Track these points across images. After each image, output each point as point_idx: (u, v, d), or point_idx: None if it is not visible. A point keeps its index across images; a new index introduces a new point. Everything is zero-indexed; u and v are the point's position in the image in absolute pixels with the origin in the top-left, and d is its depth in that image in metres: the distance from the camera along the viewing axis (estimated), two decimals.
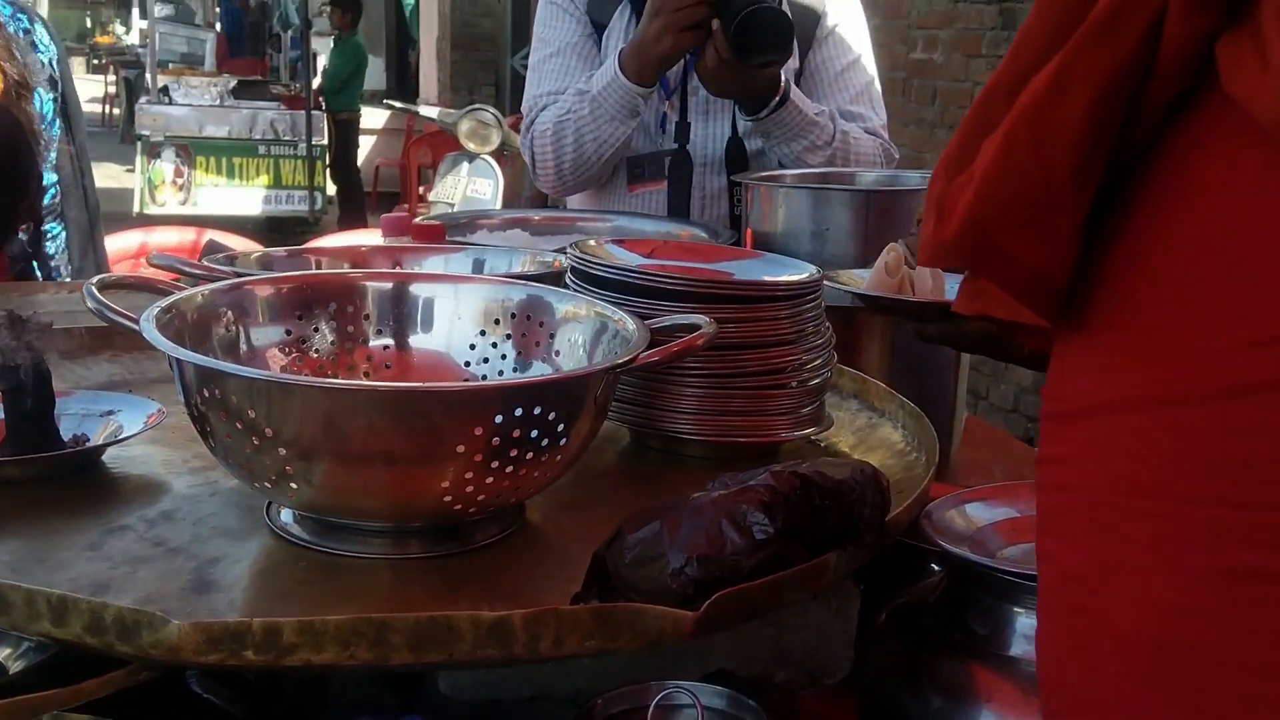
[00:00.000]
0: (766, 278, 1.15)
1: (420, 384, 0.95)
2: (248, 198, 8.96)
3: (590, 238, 1.22)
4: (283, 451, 0.83)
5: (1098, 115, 0.53)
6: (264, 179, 8.99)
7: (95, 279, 0.96)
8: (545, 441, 0.87)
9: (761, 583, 0.81)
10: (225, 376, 0.84)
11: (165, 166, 8.83)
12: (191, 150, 8.87)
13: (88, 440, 1.07)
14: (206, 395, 0.85)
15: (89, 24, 25.08)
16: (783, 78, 1.92)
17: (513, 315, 1.07)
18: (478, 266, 1.32)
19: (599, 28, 2.12)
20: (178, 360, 0.87)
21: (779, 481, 0.83)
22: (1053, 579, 0.59)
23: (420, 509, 0.88)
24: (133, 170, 9.27)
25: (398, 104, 10.04)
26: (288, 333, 1.04)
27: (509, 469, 0.86)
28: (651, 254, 1.17)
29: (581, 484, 1.09)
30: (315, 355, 1.05)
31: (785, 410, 1.14)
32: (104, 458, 1.07)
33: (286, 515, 0.95)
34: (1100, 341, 0.58)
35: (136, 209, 8.53)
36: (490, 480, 0.86)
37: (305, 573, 0.89)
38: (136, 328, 0.90)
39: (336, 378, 1.04)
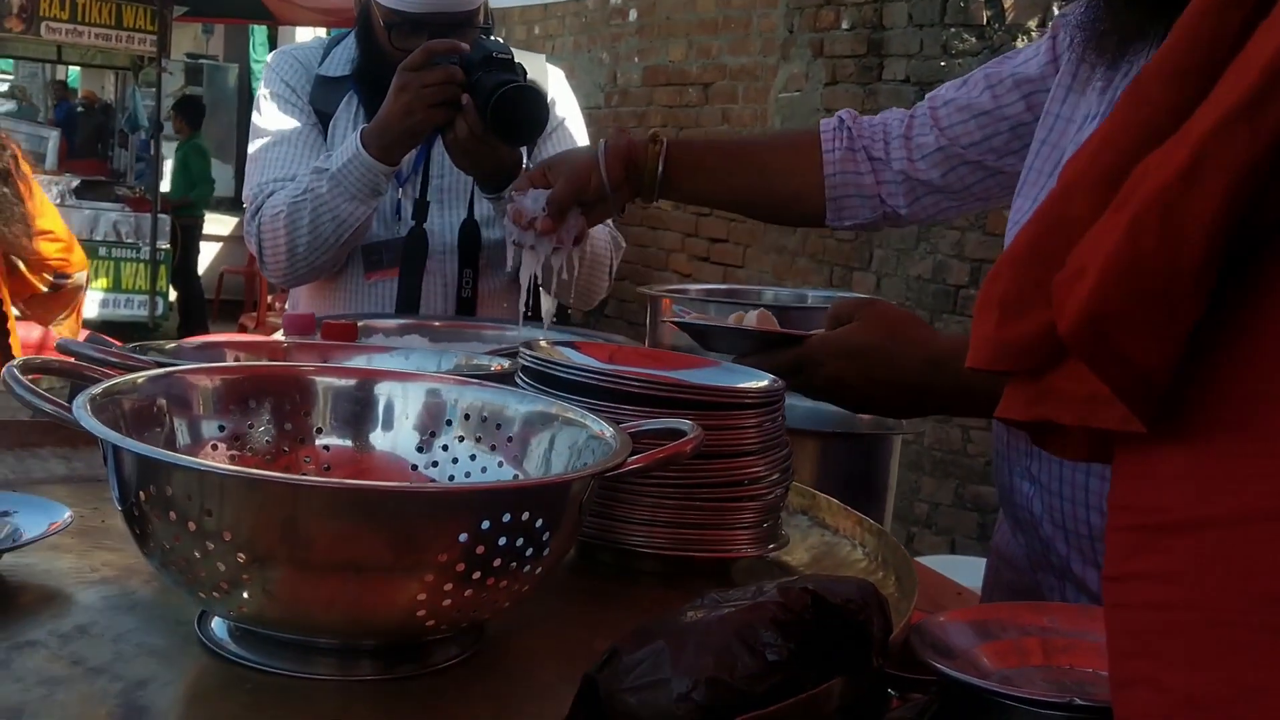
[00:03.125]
0: (730, 384, 1.10)
1: (403, 484, 0.87)
2: (89, 300, 8.59)
3: (540, 339, 1.15)
4: (241, 557, 0.74)
5: (1231, 206, 0.50)
6: (103, 282, 8.65)
7: (18, 361, 0.86)
8: (529, 551, 0.79)
9: (773, 710, 0.74)
10: (177, 470, 0.74)
11: None
12: None
13: None
14: (152, 492, 0.75)
15: None
16: (523, 156, 1.93)
17: (466, 416, 0.99)
18: (407, 367, 1.24)
19: (323, 117, 2.10)
20: (115, 451, 0.77)
21: (790, 599, 0.77)
22: (1164, 708, 0.54)
23: (388, 624, 0.79)
24: None
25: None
26: (221, 429, 0.94)
27: (490, 580, 0.78)
28: (611, 358, 1.11)
29: (536, 601, 1.01)
30: (250, 454, 0.95)
31: (746, 525, 1.08)
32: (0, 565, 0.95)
33: (221, 630, 0.85)
34: (1215, 446, 0.54)
35: None
36: (469, 593, 0.78)
37: (250, 695, 0.79)
38: (68, 414, 0.80)
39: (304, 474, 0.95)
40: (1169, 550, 0.56)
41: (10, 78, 15.61)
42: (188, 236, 9.60)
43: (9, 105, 11.44)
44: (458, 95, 1.83)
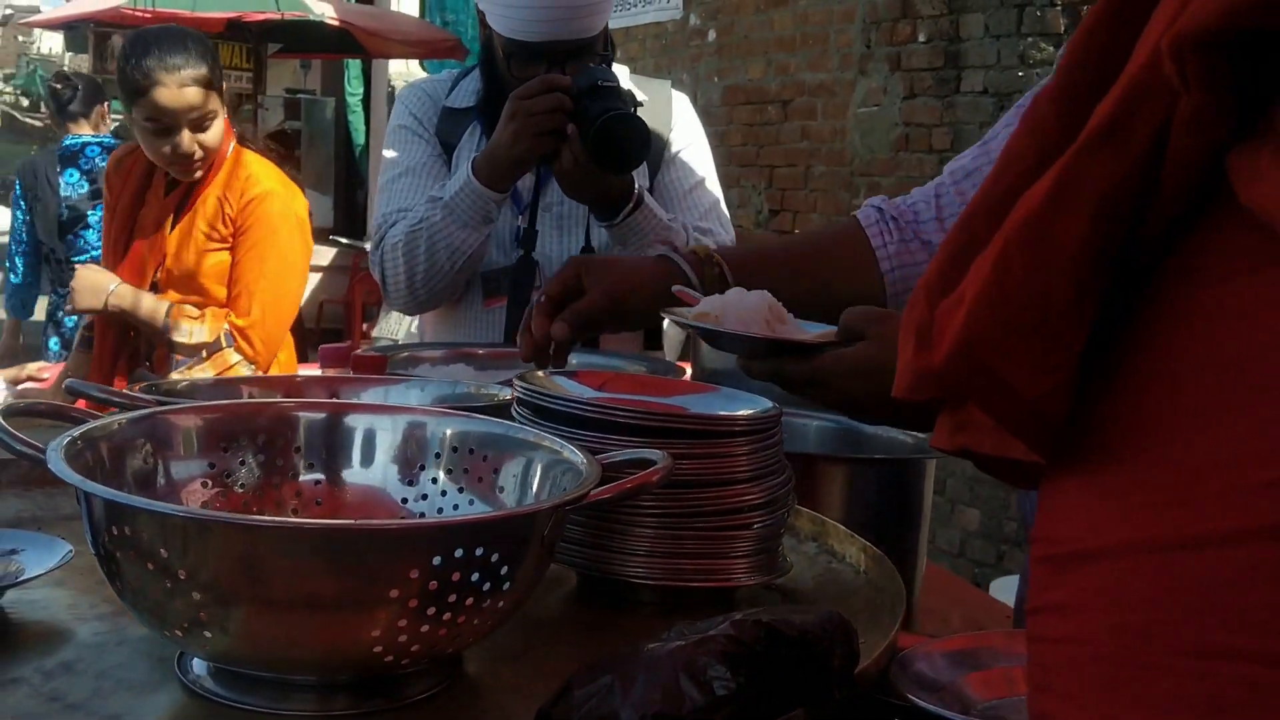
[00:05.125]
0: (723, 412, 1.09)
1: (349, 521, 0.88)
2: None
3: (538, 370, 1.16)
4: (197, 596, 0.75)
5: (1099, 231, 0.49)
6: None
7: (1, 406, 0.89)
8: (487, 585, 0.80)
9: None
10: (135, 512, 0.76)
11: None
12: None
13: None
14: (115, 533, 0.77)
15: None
16: (636, 182, 1.92)
17: (454, 449, 1.01)
18: (420, 399, 1.26)
19: (448, 148, 2.13)
20: (84, 494, 0.80)
21: (741, 631, 0.77)
22: None
23: (347, 660, 0.80)
24: None
25: (343, 239, 10.05)
26: (211, 466, 0.97)
27: (446, 616, 0.79)
28: (603, 386, 1.11)
29: (523, 632, 1.01)
30: (240, 490, 0.98)
31: (742, 553, 1.07)
32: (2, 602, 0.98)
33: (200, 667, 0.86)
34: (1102, 478, 0.52)
35: None
36: (426, 629, 0.78)
37: None
38: (43, 458, 0.82)
39: (263, 514, 0.97)
40: (1068, 584, 0.54)
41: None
42: None
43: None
44: (563, 124, 1.85)
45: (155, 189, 2.67)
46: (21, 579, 0.97)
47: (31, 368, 3.51)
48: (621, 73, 2.18)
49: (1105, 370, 0.53)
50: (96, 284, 2.60)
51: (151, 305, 2.60)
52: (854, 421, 1.30)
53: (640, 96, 2.15)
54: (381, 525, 0.83)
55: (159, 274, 2.64)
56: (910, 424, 1.28)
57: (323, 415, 1.00)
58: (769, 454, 1.08)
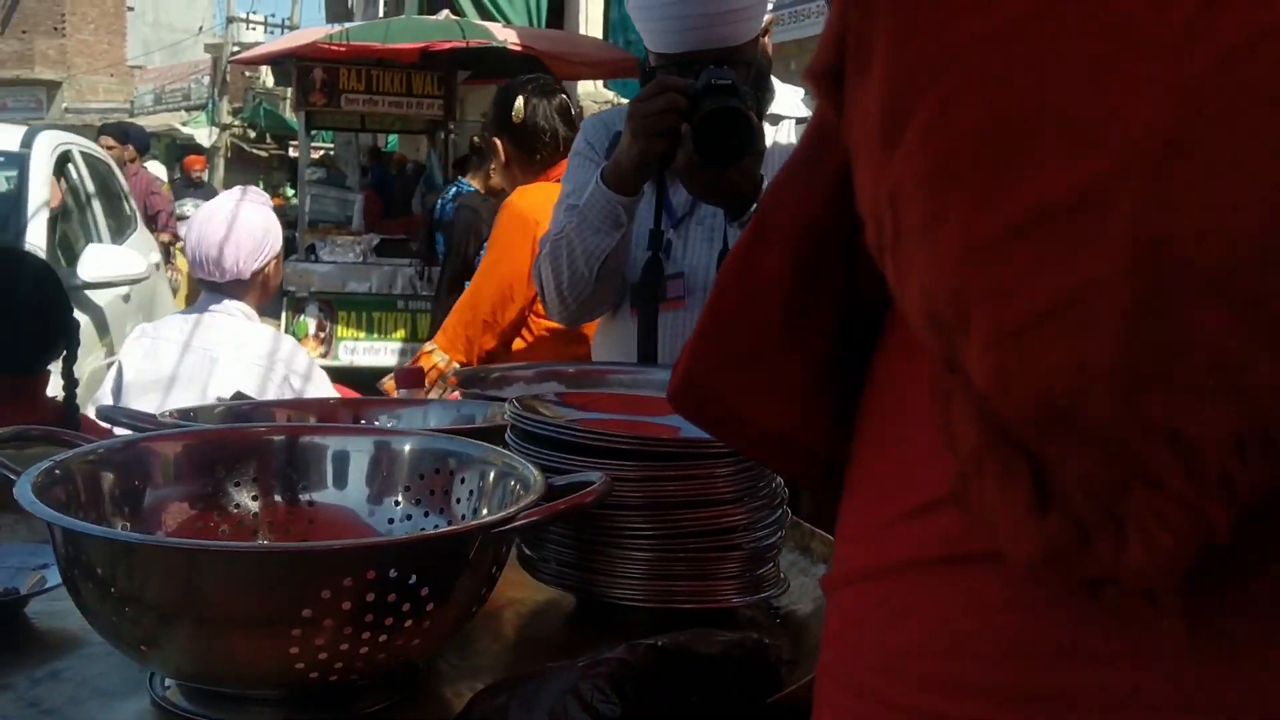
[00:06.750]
0: (696, 435, 1.09)
1: (258, 544, 0.92)
2: (385, 351, 9.19)
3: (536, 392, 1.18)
4: (129, 611, 0.81)
5: (801, 263, 0.48)
6: (401, 333, 9.21)
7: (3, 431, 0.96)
8: (407, 606, 0.82)
9: None
10: (74, 535, 0.82)
11: (309, 321, 9.14)
12: (334, 305, 9.18)
13: (17, 594, 1.06)
14: (65, 553, 0.83)
15: (260, 186, 26.49)
16: (764, 181, 1.90)
17: (437, 470, 1.04)
18: (440, 421, 1.30)
19: None
20: (46, 520, 0.86)
21: (633, 654, 0.77)
22: None
23: (271, 675, 0.83)
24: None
25: None
26: (204, 489, 1.02)
27: (366, 635, 0.81)
28: (586, 407, 1.12)
29: (509, 652, 1.04)
30: (235, 510, 1.03)
31: (731, 574, 1.07)
32: (30, 611, 1.06)
33: (169, 679, 0.92)
34: (843, 511, 0.52)
35: None
36: (345, 647, 0.81)
37: None
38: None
39: (260, 538, 1.02)
40: (829, 612, 0.53)
41: (330, 146, 17.02)
42: None
43: (320, 172, 12.55)
44: (677, 124, 1.87)
45: None
46: (39, 590, 1.05)
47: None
48: (795, 94, 2.17)
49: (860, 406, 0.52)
50: None
51: None
52: None
53: (807, 113, 2.14)
54: (285, 548, 0.87)
55: None
56: None
57: (295, 439, 1.04)
58: (753, 474, 1.07)
